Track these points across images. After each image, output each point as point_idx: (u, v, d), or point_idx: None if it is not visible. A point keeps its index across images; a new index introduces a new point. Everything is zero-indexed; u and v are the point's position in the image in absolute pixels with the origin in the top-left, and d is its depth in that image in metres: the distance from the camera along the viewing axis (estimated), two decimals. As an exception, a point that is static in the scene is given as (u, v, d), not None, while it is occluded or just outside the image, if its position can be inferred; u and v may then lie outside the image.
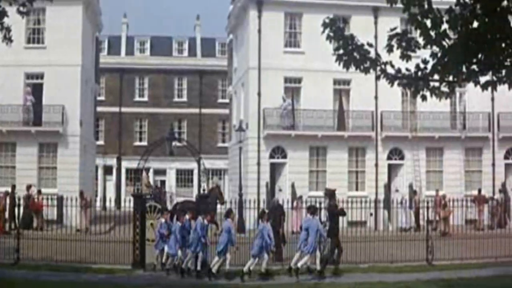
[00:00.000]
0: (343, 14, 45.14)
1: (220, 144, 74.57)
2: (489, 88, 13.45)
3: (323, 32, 13.64)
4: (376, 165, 48.13)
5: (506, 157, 50.03)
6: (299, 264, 24.35)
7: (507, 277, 24.61)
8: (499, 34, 12.33)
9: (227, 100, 66.38)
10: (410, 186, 46.26)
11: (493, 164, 49.41)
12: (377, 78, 14.04)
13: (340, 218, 26.50)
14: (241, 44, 52.90)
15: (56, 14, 45.51)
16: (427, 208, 30.35)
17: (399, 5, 13.14)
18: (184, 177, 74.49)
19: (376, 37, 39.26)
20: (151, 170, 70.00)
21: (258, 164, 46.55)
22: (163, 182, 72.94)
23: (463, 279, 24.31)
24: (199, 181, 35.57)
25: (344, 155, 47.96)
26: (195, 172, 67.65)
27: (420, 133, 48.42)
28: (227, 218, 25.21)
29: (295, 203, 38.73)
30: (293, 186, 44.84)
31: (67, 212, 36.65)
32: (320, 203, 33.35)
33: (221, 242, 24.45)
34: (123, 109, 74.58)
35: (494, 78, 13.05)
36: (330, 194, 28.17)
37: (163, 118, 73.63)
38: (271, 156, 47.30)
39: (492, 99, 47.54)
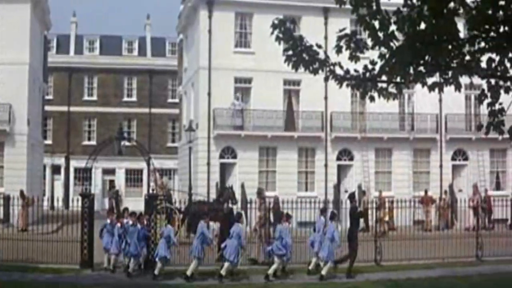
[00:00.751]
0: (293, 14, 45.01)
1: (170, 144, 74.29)
2: (437, 90, 13.53)
3: (272, 32, 13.60)
4: (326, 165, 48.35)
5: (453, 159, 50.63)
6: (323, 272, 24.66)
7: (454, 278, 24.94)
8: (446, 36, 12.39)
9: (177, 100, 66.20)
10: (359, 187, 46.53)
11: (441, 166, 49.97)
12: (326, 79, 14.04)
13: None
14: (192, 44, 52.75)
15: (4, 12, 44.91)
16: (376, 209, 30.57)
17: (348, 6, 13.14)
18: (133, 177, 74.03)
19: (326, 38, 39.53)
20: (100, 170, 69.61)
21: (208, 164, 46.46)
22: (112, 182, 72.47)
23: (411, 280, 24.58)
24: (149, 181, 35.46)
25: (293, 156, 48.09)
26: (145, 172, 67.24)
27: (369, 134, 48.75)
28: (237, 222, 25.22)
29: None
30: (242, 186, 44.80)
31: (13, 211, 36.20)
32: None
33: (229, 246, 24.27)
34: (72, 108, 73.86)
35: (441, 80, 13.12)
36: (351, 196, 28.09)
37: (112, 118, 73.07)
38: (221, 156, 47.25)
39: (440, 100, 48.10)
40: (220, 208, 32.84)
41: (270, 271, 24.48)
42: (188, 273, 24.15)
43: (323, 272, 24.66)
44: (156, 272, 24.49)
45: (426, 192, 45.78)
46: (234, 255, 24.13)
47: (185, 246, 26.54)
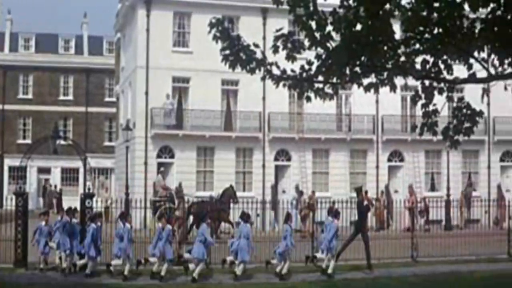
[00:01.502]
0: (232, 14, 45.23)
1: (107, 143, 73.54)
2: (374, 91, 13.66)
3: (210, 32, 13.59)
4: (263, 166, 48.39)
5: (389, 160, 51.10)
6: (329, 271, 25.14)
7: (389, 279, 25.18)
8: (382, 37, 12.52)
9: (114, 99, 65.58)
10: (297, 187, 46.67)
11: (377, 166, 50.40)
12: (263, 78, 14.06)
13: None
14: (129, 43, 52.33)
15: None
16: (314, 209, 30.74)
17: (286, 6, 13.18)
18: (69, 176, 73.08)
19: (264, 38, 39.49)
20: (35, 169, 68.66)
21: (145, 163, 46.13)
22: (47, 181, 71.56)
23: (347, 280, 24.75)
24: (85, 180, 35.15)
25: (231, 156, 48.05)
26: (81, 171, 66.40)
27: (306, 135, 48.93)
28: (246, 222, 25.27)
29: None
30: (180, 185, 44.63)
31: None
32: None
33: (241, 247, 24.39)
34: (6, 107, 72.59)
35: (377, 80, 13.25)
36: (357, 190, 28.83)
37: (48, 116, 72.02)
38: (159, 156, 46.95)
39: (377, 101, 48.50)
40: (222, 208, 33.62)
41: (238, 272, 24.47)
42: (195, 275, 23.81)
43: (329, 271, 25.18)
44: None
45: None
46: (247, 254, 24.47)
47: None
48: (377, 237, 31.85)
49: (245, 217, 25.73)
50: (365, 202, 28.94)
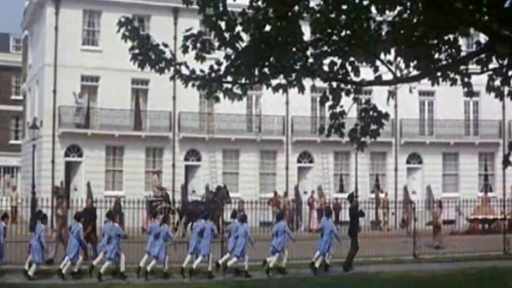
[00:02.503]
0: (143, 13, 45.06)
1: (13, 141, 72.00)
2: (285, 92, 13.74)
3: (119, 31, 13.44)
4: (173, 165, 48.21)
5: (299, 161, 51.51)
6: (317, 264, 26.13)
7: (295, 279, 25.41)
8: (290, 38, 12.60)
9: (21, 97, 64.37)
10: (207, 188, 46.62)
11: (287, 167, 50.72)
12: (172, 78, 13.98)
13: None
14: (37, 41, 51.39)
15: None
16: (222, 210, 30.73)
17: (196, 6, 13.13)
18: (-26, 174, 71.54)
19: (175, 37, 39.30)
20: None
21: (53, 162, 45.37)
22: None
23: (260, 281, 24.84)
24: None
25: (141, 155, 47.71)
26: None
27: (217, 135, 48.96)
28: (243, 222, 26.01)
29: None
30: (88, 185, 44.10)
31: None
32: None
33: (238, 245, 25.16)
34: None
35: (285, 81, 13.32)
36: (350, 196, 30.14)
37: (-49, 114, 70.35)
38: (67, 155, 46.26)
39: (287, 102, 48.82)
40: (215, 207, 34.07)
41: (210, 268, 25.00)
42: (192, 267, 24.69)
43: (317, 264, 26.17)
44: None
45: (275, 193, 46.34)
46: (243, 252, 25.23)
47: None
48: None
49: (243, 217, 26.83)
50: (359, 208, 29.95)
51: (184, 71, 13.61)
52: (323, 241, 26.33)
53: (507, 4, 12.17)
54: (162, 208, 33.26)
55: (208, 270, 24.93)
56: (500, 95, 14.04)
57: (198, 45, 13.34)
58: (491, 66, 13.73)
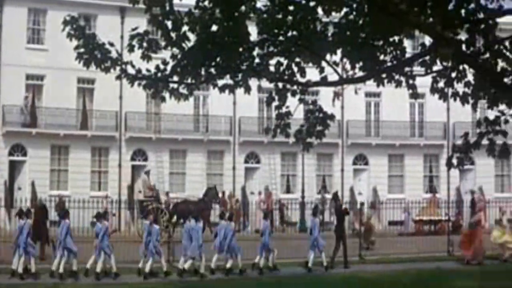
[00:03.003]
0: (89, 12, 44.63)
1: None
2: (229, 92, 13.74)
3: (64, 29, 13.33)
4: (120, 165, 47.87)
5: (246, 161, 51.52)
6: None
7: (243, 278, 25.51)
8: (237, 39, 12.61)
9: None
10: (154, 187, 46.35)
11: (234, 168, 50.70)
12: (118, 77, 13.91)
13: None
14: (-19, 38, 50.54)
15: None
16: (168, 209, 30.64)
17: (143, 5, 13.07)
18: None
19: (122, 37, 39.00)
20: None
21: (-4, 162, 44.78)
22: None
23: (202, 281, 24.87)
24: None
25: (87, 155, 47.25)
26: None
27: (163, 135, 48.75)
28: (230, 220, 27.25)
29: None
30: (33, 184, 43.58)
31: None
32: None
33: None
34: None
35: (232, 82, 13.33)
36: (335, 196, 32.12)
37: None
38: (11, 154, 45.62)
39: (234, 103, 48.76)
40: (205, 207, 36.04)
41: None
42: (185, 267, 25.48)
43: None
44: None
45: (223, 193, 46.27)
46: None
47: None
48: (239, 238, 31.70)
49: (230, 215, 28.24)
50: (344, 207, 30.98)
51: (130, 70, 13.54)
52: (312, 239, 27.56)
53: (451, 6, 12.34)
54: (153, 208, 34.42)
55: (201, 271, 25.64)
56: (444, 96, 14.24)
57: (144, 44, 13.28)
58: (435, 68, 13.91)
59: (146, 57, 13.41)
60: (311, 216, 29.31)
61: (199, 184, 49.00)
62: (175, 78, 13.25)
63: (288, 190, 52.03)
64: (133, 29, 13.38)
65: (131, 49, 13.27)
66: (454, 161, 14.21)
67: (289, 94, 13.59)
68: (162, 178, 48.40)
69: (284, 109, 13.65)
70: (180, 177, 50.14)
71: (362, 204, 38.02)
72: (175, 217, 35.64)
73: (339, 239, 29.02)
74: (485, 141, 13.84)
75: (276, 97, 13.60)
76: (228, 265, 26.19)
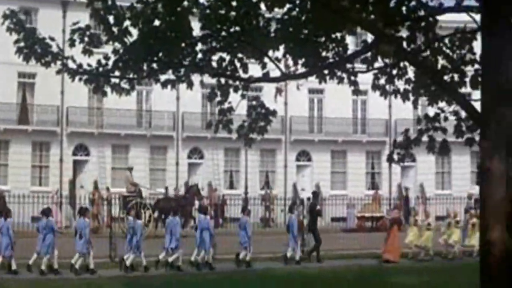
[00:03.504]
0: (30, 6, 44.13)
1: None
2: (172, 87, 13.69)
3: (3, 23, 13.14)
4: (61, 160, 47.44)
5: (189, 157, 51.48)
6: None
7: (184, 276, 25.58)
8: (179, 34, 12.55)
9: None
10: (95, 183, 46.04)
11: (177, 163, 50.61)
12: (58, 72, 13.77)
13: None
14: None
15: None
16: (110, 205, 30.48)
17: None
18: None
19: (64, 31, 38.60)
20: None
21: None
22: None
23: (145, 277, 24.88)
24: None
25: (27, 149, 46.79)
26: None
27: (106, 130, 48.46)
28: (205, 214, 28.32)
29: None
30: None
31: None
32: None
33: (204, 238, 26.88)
34: None
35: (174, 77, 13.28)
36: (314, 194, 33.07)
37: None
38: None
39: (177, 98, 48.65)
40: (187, 204, 37.54)
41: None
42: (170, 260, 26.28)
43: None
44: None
45: (166, 189, 46.06)
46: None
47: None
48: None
49: (204, 208, 29.51)
50: (318, 207, 31.84)
51: (71, 65, 13.39)
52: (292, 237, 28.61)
53: (392, 4, 12.46)
54: (135, 204, 35.26)
55: (178, 264, 26.38)
56: (385, 93, 14.34)
57: (86, 39, 13.14)
58: (376, 65, 14.02)
59: (87, 51, 13.27)
60: (289, 213, 30.80)
61: (142, 180, 48.75)
62: (117, 73, 13.14)
63: (231, 186, 52.12)
64: (75, 24, 13.23)
65: (72, 43, 13.12)
66: (395, 156, 14.35)
67: (231, 90, 13.59)
68: (105, 173, 48.09)
69: (226, 105, 13.65)
70: (122, 173, 49.81)
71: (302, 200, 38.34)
72: (156, 213, 37.25)
73: (316, 233, 30.13)
74: (425, 138, 14.00)
75: (219, 93, 13.59)
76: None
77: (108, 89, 13.49)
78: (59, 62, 13.32)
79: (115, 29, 12.84)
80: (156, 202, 38.84)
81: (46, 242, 24.56)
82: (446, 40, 13.68)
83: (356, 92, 14.42)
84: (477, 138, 12.18)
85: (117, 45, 12.91)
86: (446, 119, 13.87)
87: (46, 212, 26.08)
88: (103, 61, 13.20)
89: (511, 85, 11.15)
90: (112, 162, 49.52)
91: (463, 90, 13.26)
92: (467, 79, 13.34)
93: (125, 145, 49.97)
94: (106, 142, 48.85)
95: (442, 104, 13.85)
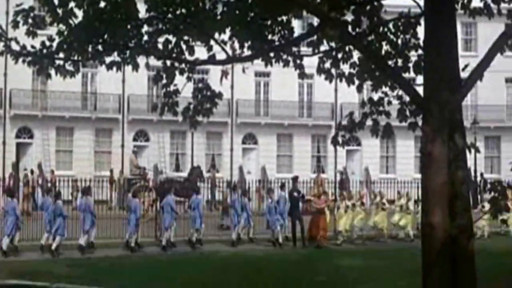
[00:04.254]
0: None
1: None
2: (117, 69, 13.62)
3: None
4: (4, 143, 46.90)
5: (135, 139, 51.22)
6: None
7: (130, 257, 25.57)
8: (125, 15, 12.51)
9: None
10: (39, 166, 45.58)
11: (122, 146, 50.32)
12: (1, 54, 13.59)
13: None
14: None
15: None
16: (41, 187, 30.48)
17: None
18: None
19: (7, 13, 37.99)
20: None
21: None
22: None
23: (91, 259, 24.90)
24: None
25: (-32, 132, 46.19)
26: None
27: (50, 112, 47.97)
28: (197, 194, 30.37)
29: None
30: None
31: None
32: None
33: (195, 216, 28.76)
34: None
35: (119, 59, 13.21)
36: (293, 180, 33.67)
37: None
38: None
39: (123, 81, 48.30)
40: (190, 186, 37.23)
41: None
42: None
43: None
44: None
45: (111, 171, 45.75)
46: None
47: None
48: (123, 216, 31.47)
49: (197, 188, 31.72)
50: (295, 194, 31.98)
51: (15, 46, 13.24)
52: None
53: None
54: (140, 186, 36.72)
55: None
56: (330, 77, 14.46)
57: (30, 20, 13.01)
58: (322, 48, 14.13)
59: (31, 33, 13.13)
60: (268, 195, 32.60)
61: (86, 162, 48.49)
62: (62, 55, 13.04)
63: (177, 168, 52.01)
64: (18, 5, 13.08)
65: (15, 25, 12.96)
66: (340, 139, 14.49)
67: (177, 72, 13.58)
68: (49, 156, 47.62)
69: (172, 87, 13.64)
70: (67, 155, 49.52)
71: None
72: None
73: (297, 220, 30.65)
74: (370, 122, 14.16)
75: (164, 75, 13.58)
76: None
77: (52, 71, 13.37)
78: (1, 44, 13.17)
79: (59, 11, 12.72)
80: (160, 184, 39.23)
81: None
82: (391, 25, 13.84)
83: (302, 75, 14.49)
84: (420, 122, 12.36)
85: (62, 26, 12.80)
86: (390, 103, 14.03)
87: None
88: (48, 43, 13.09)
89: (453, 70, 11.35)
90: (57, 145, 49.09)
91: (407, 75, 13.46)
92: (411, 64, 13.54)
93: (70, 127, 49.51)
94: (51, 125, 48.33)
95: (386, 88, 14.00)
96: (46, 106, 48.15)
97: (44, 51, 13.10)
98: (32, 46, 13.22)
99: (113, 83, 47.57)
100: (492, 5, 13.36)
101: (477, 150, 12.32)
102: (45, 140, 48.03)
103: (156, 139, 51.11)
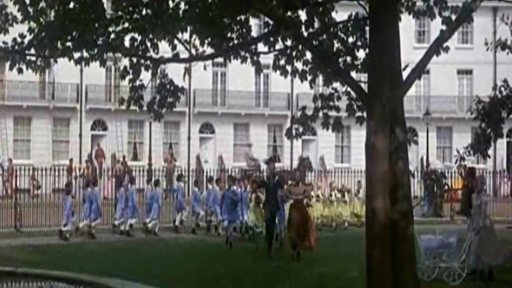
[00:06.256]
0: None
1: None
2: (84, 65, 14.32)
3: None
4: (-37, 133, 47.01)
5: (93, 128, 51.57)
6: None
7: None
8: (93, 15, 13.23)
9: None
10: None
11: (80, 135, 50.58)
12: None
13: None
14: None
15: None
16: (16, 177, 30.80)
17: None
18: None
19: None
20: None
21: None
22: None
23: (51, 245, 25.29)
24: None
25: None
26: None
27: (8, 102, 48.10)
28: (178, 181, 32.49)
29: None
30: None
31: None
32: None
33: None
34: None
35: (88, 55, 13.93)
36: (268, 161, 32.70)
37: None
38: None
39: (81, 71, 48.40)
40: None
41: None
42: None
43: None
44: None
45: (71, 160, 45.98)
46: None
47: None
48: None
49: (179, 176, 33.16)
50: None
51: (-15, 42, 13.87)
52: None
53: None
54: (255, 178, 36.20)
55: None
56: (284, 73, 15.40)
57: (1, 17, 13.67)
58: (277, 47, 15.04)
59: (2, 30, 13.82)
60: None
61: (44, 151, 48.73)
62: (33, 51, 13.71)
63: (135, 158, 52.39)
64: (-11, 4, 13.71)
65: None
66: (294, 132, 15.44)
67: (142, 68, 14.32)
68: (6, 145, 47.75)
69: (138, 82, 14.40)
70: (25, 144, 49.68)
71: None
72: None
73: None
74: (321, 115, 15.14)
75: (131, 71, 14.33)
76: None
77: (23, 66, 14.03)
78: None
79: (31, 9, 13.40)
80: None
81: None
82: (341, 26, 14.81)
83: (258, 71, 15.37)
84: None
85: (33, 24, 13.49)
86: (339, 98, 15.02)
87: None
88: (19, 40, 13.76)
89: (395, 69, 12.37)
90: (14, 134, 49.18)
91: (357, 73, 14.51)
92: (359, 62, 14.54)
93: (27, 116, 49.68)
94: (8, 114, 48.45)
95: (336, 84, 14.99)
96: (4, 96, 48.27)
97: (16, 47, 13.76)
98: (4, 42, 13.89)
99: (71, 73, 47.69)
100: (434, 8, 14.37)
101: (415, 143, 13.39)
102: (2, 129, 48.17)
103: (114, 129, 51.36)
